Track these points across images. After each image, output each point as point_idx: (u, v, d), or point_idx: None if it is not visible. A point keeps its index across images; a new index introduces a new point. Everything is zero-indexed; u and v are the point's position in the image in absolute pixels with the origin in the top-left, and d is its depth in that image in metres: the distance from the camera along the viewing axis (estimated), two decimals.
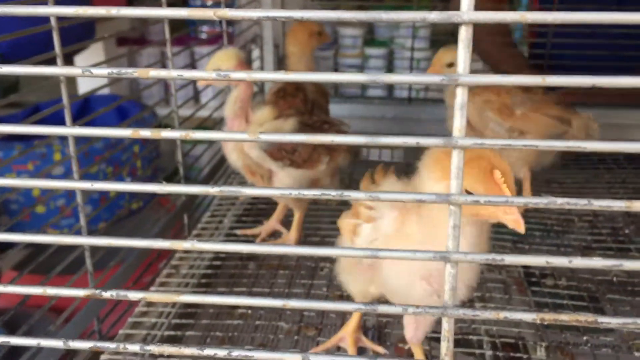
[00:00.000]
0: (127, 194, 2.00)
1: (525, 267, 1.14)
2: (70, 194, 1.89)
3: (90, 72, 0.35)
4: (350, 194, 0.36)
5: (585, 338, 0.94)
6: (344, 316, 0.98)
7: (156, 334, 0.95)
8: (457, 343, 0.93)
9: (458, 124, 0.34)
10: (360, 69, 2.77)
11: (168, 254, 1.14)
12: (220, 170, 1.51)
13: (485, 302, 1.02)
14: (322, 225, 1.27)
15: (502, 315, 0.36)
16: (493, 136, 1.17)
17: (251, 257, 1.18)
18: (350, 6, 2.71)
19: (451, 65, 1.16)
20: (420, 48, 2.28)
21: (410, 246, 0.58)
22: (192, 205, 1.27)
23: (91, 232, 1.02)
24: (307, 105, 1.32)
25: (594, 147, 0.33)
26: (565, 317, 0.36)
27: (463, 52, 0.34)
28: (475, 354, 0.90)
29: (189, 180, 1.32)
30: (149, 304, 1.01)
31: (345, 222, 0.79)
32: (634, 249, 1.18)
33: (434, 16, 0.33)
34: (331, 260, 1.15)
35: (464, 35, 0.33)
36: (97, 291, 0.37)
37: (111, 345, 0.37)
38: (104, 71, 0.35)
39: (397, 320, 0.97)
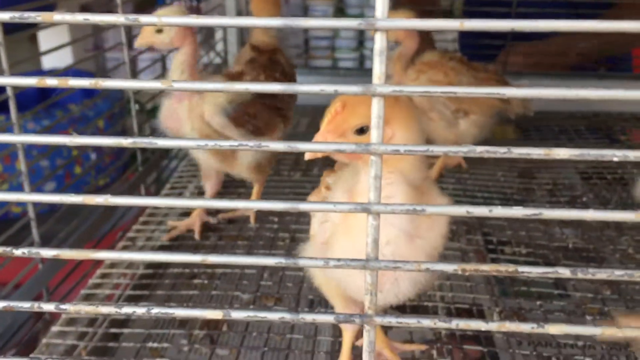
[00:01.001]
0: (94, 171, 1.97)
1: (485, 235, 1.15)
2: (33, 171, 1.86)
3: None
4: (269, 144, 0.35)
5: (538, 303, 0.95)
6: (301, 285, 0.98)
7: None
8: (413, 310, 0.94)
9: (377, 70, 0.33)
10: (331, 41, 2.75)
11: (124, 226, 1.12)
12: None
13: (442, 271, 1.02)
14: (283, 198, 1.26)
15: (424, 267, 0.35)
16: (439, 117, 1.18)
17: (211, 228, 1.17)
18: None
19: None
20: None
21: (353, 238, 0.57)
22: (148, 176, 1.25)
23: (57, 212, 0.99)
24: (287, 78, 1.31)
25: (511, 93, 0.32)
26: (485, 268, 0.35)
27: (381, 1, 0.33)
28: None
29: (158, 157, 1.30)
30: (103, 275, 0.99)
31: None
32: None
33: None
34: (290, 231, 1.15)
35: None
36: (9, 249, 0.36)
37: (25, 305, 0.36)
38: (6, 15, 0.33)
39: None
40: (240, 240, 1.12)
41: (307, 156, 0.49)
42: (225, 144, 0.34)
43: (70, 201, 0.34)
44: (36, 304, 0.36)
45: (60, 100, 2.14)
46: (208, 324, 0.91)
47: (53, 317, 0.90)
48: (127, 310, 0.35)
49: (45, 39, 2.37)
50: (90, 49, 2.87)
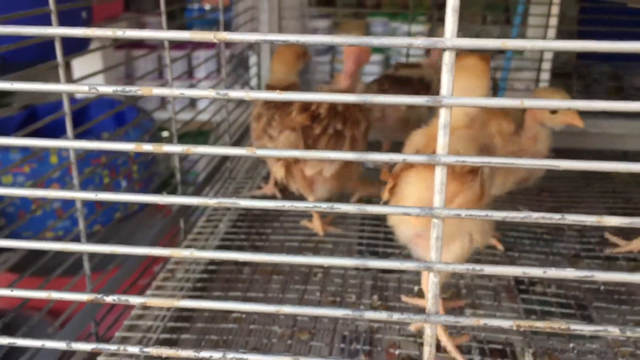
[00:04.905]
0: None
1: None
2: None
3: (96, 90, 0.37)
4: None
5: (571, 345, 0.96)
6: (336, 320, 1.00)
7: (152, 336, 0.97)
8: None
9: (441, 142, 0.37)
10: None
11: (164, 257, 1.15)
12: (216, 175, 1.53)
13: (475, 309, 1.04)
14: (315, 232, 1.29)
15: (482, 322, 0.38)
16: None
17: (246, 262, 1.20)
18: (347, 13, 2.74)
19: (555, 112, 1.13)
20: (415, 55, 2.31)
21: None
22: (188, 210, 1.29)
23: (87, 235, 1.03)
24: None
25: (573, 166, 0.35)
26: (539, 324, 0.38)
27: (446, 75, 0.36)
28: None
29: (184, 184, 1.34)
30: (145, 307, 1.02)
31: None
32: (622, 258, 1.21)
33: (420, 42, 0.35)
34: (323, 266, 1.17)
35: (447, 60, 0.36)
36: (100, 295, 0.39)
37: (112, 347, 0.39)
38: (110, 89, 0.37)
39: (388, 326, 0.99)
40: (276, 275, 1.15)
41: None
42: (299, 204, 0.38)
43: (159, 254, 0.38)
44: (121, 347, 0.39)
45: (93, 128, 2.22)
46: None
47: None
48: (204, 354, 0.39)
49: (79, 67, 2.45)
50: (121, 77, 2.97)
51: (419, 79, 1.49)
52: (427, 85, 1.48)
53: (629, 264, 1.20)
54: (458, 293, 1.09)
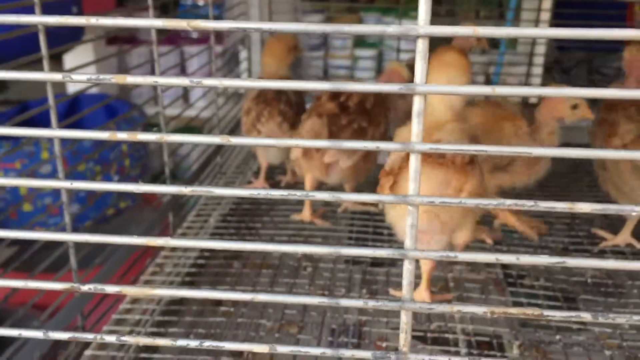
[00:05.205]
0: (115, 192, 2.02)
1: (504, 267, 1.17)
2: (57, 192, 1.91)
3: (70, 78, 0.37)
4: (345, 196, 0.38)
5: (558, 337, 0.97)
6: (324, 313, 1.01)
7: (140, 330, 0.97)
8: (435, 341, 0.96)
9: (416, 129, 0.37)
10: (350, 70, 2.80)
11: (153, 252, 1.15)
12: (207, 169, 1.53)
13: (463, 302, 1.05)
14: (305, 226, 1.29)
15: (456, 308, 0.38)
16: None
17: (235, 256, 1.20)
18: (340, 8, 2.74)
19: (575, 106, 1.16)
20: (407, 50, 2.31)
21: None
22: (177, 204, 1.29)
23: (78, 231, 1.03)
24: (293, 108, 1.36)
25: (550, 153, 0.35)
26: (513, 311, 0.38)
27: (420, 63, 0.36)
28: (451, 352, 0.93)
29: (176, 178, 1.34)
30: (133, 301, 1.02)
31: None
32: (609, 251, 1.21)
33: (392, 29, 0.35)
34: (313, 260, 1.18)
35: (421, 47, 0.36)
36: (76, 285, 0.39)
37: (88, 336, 0.39)
38: (83, 77, 0.37)
39: (376, 319, 1.00)
40: (265, 269, 1.15)
41: None
42: (275, 192, 0.38)
43: (135, 242, 0.38)
44: (99, 336, 0.39)
45: (85, 121, 2.21)
46: (234, 352, 0.94)
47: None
48: (181, 343, 0.39)
49: (70, 61, 2.44)
50: (113, 72, 2.96)
51: None
52: None
53: (616, 257, 1.21)
54: (447, 286, 1.09)
